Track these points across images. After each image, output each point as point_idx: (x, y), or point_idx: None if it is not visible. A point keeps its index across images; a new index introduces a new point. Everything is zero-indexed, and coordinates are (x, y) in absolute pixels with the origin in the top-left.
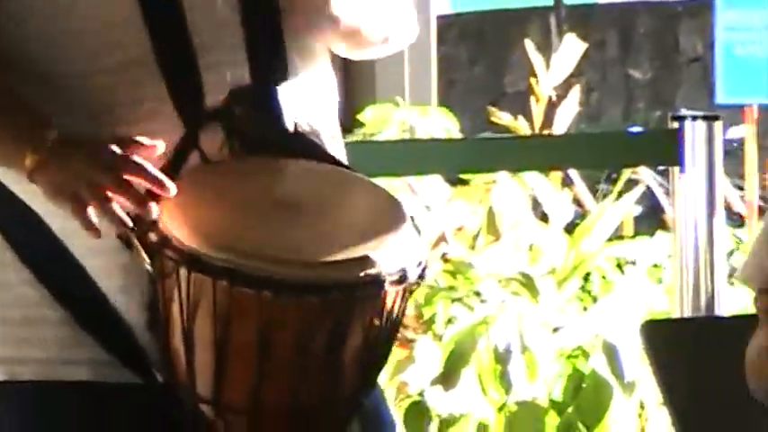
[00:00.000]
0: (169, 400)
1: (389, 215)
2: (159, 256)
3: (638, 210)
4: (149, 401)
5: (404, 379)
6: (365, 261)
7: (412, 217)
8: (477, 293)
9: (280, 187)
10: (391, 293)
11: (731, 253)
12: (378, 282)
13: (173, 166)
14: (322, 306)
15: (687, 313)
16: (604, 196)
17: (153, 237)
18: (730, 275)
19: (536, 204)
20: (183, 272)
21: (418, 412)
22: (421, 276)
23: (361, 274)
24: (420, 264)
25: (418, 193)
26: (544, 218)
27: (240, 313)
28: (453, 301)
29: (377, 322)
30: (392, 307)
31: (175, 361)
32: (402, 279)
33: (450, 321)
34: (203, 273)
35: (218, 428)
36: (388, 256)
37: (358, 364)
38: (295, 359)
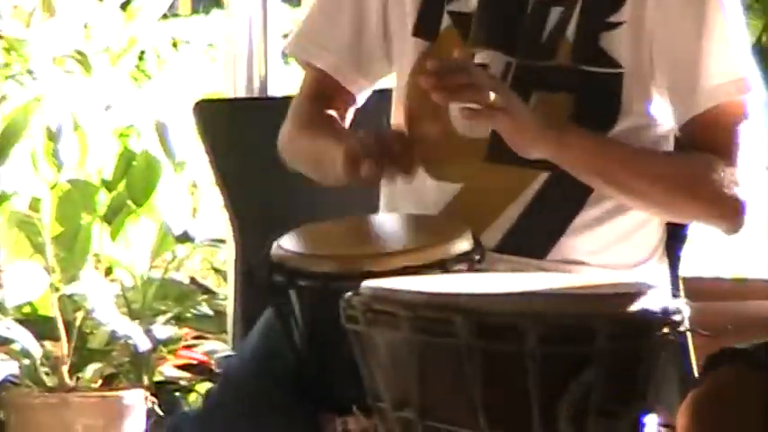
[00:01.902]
0: None
1: None
2: None
3: None
4: None
5: None
6: None
7: None
8: (30, 71)
9: None
10: None
11: (286, 35)
12: None
13: None
14: None
15: (240, 93)
16: None
17: None
18: (284, 56)
19: None
20: None
21: None
22: None
23: None
24: None
25: None
26: None
27: None
28: (7, 78)
29: None
30: None
31: None
32: None
33: (3, 99)
34: None
35: None
36: None
37: None
38: None
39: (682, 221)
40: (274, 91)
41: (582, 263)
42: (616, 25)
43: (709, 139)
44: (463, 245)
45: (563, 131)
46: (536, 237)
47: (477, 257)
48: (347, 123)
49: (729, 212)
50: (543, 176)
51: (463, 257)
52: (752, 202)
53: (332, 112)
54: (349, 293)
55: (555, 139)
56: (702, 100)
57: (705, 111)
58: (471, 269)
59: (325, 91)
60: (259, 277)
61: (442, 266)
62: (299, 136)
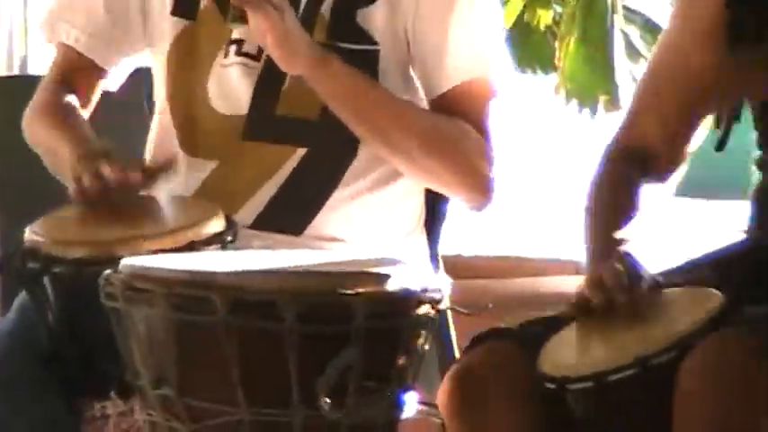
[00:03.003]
0: None
1: None
2: None
3: None
4: None
5: None
6: None
7: None
8: None
9: None
10: None
11: None
12: None
13: None
14: None
15: (2, 72)
16: None
17: None
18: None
19: None
20: None
21: None
22: None
23: None
24: None
25: None
26: None
27: None
28: None
29: None
30: None
31: None
32: None
33: None
34: None
35: None
36: None
37: None
38: None
39: (433, 185)
40: (35, 69)
41: (339, 239)
42: (372, 1)
43: (458, 115)
44: (215, 226)
45: (329, 57)
46: (292, 213)
47: (230, 238)
48: (93, 102)
49: (479, 184)
50: (300, 153)
51: (214, 239)
52: (502, 178)
53: (73, 101)
54: (108, 271)
55: (320, 57)
56: (448, 78)
57: (453, 87)
58: (224, 250)
59: (75, 70)
60: (12, 265)
61: (193, 249)
62: (37, 122)
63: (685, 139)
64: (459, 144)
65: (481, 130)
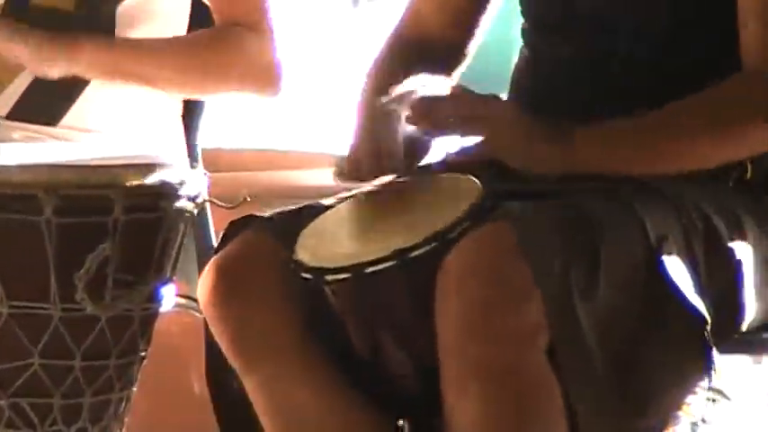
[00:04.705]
0: None
1: None
2: None
3: None
4: None
5: None
6: None
7: None
8: None
9: None
10: None
11: None
12: None
13: None
14: None
15: None
16: None
17: None
18: None
19: None
20: None
21: None
22: None
23: None
24: None
25: None
26: None
27: None
28: None
29: None
30: None
31: None
32: None
33: None
34: None
35: None
36: None
37: None
38: None
39: (224, 94)
40: None
41: (95, 131)
42: None
43: (228, 14)
44: None
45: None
46: (48, 104)
47: None
48: None
49: (264, 79)
50: None
51: None
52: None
53: None
54: None
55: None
56: None
57: None
58: None
59: None
60: None
61: None
62: None
63: (469, 25)
64: (226, 52)
65: (259, 27)
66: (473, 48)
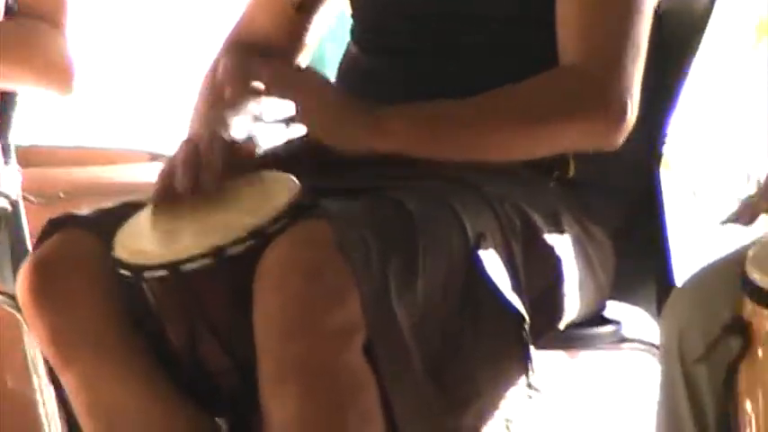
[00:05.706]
0: None
1: None
2: None
3: None
4: None
5: None
6: None
7: None
8: None
9: None
10: None
11: None
12: None
13: None
14: None
15: None
16: None
17: None
18: None
19: None
20: None
21: None
22: None
23: None
24: None
25: None
26: None
27: None
28: None
29: None
30: None
31: None
32: None
33: None
34: None
35: None
36: None
37: None
38: None
39: (17, 87)
40: None
41: None
42: None
43: (32, 7)
44: None
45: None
46: None
47: None
48: None
49: (62, 76)
50: None
51: None
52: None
53: None
54: None
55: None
56: None
57: None
58: None
59: None
60: None
61: None
62: None
63: (302, 28)
64: (27, 45)
65: (60, 24)
66: (305, 57)
